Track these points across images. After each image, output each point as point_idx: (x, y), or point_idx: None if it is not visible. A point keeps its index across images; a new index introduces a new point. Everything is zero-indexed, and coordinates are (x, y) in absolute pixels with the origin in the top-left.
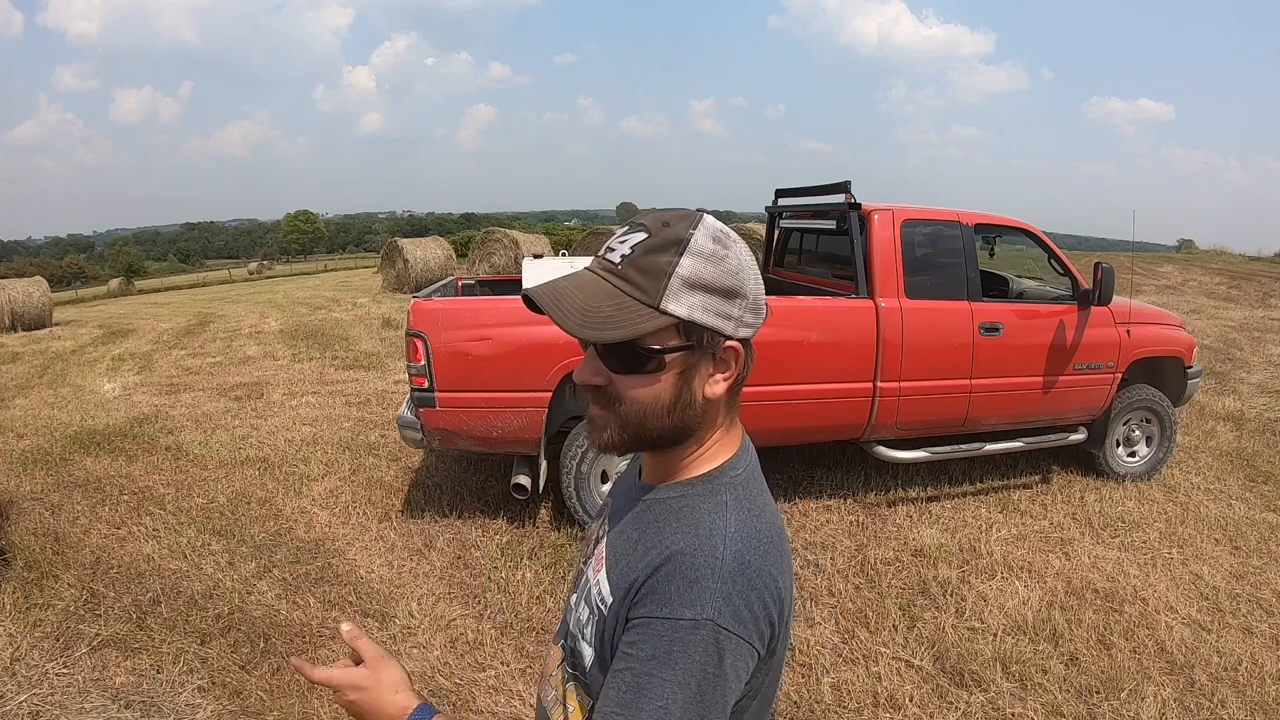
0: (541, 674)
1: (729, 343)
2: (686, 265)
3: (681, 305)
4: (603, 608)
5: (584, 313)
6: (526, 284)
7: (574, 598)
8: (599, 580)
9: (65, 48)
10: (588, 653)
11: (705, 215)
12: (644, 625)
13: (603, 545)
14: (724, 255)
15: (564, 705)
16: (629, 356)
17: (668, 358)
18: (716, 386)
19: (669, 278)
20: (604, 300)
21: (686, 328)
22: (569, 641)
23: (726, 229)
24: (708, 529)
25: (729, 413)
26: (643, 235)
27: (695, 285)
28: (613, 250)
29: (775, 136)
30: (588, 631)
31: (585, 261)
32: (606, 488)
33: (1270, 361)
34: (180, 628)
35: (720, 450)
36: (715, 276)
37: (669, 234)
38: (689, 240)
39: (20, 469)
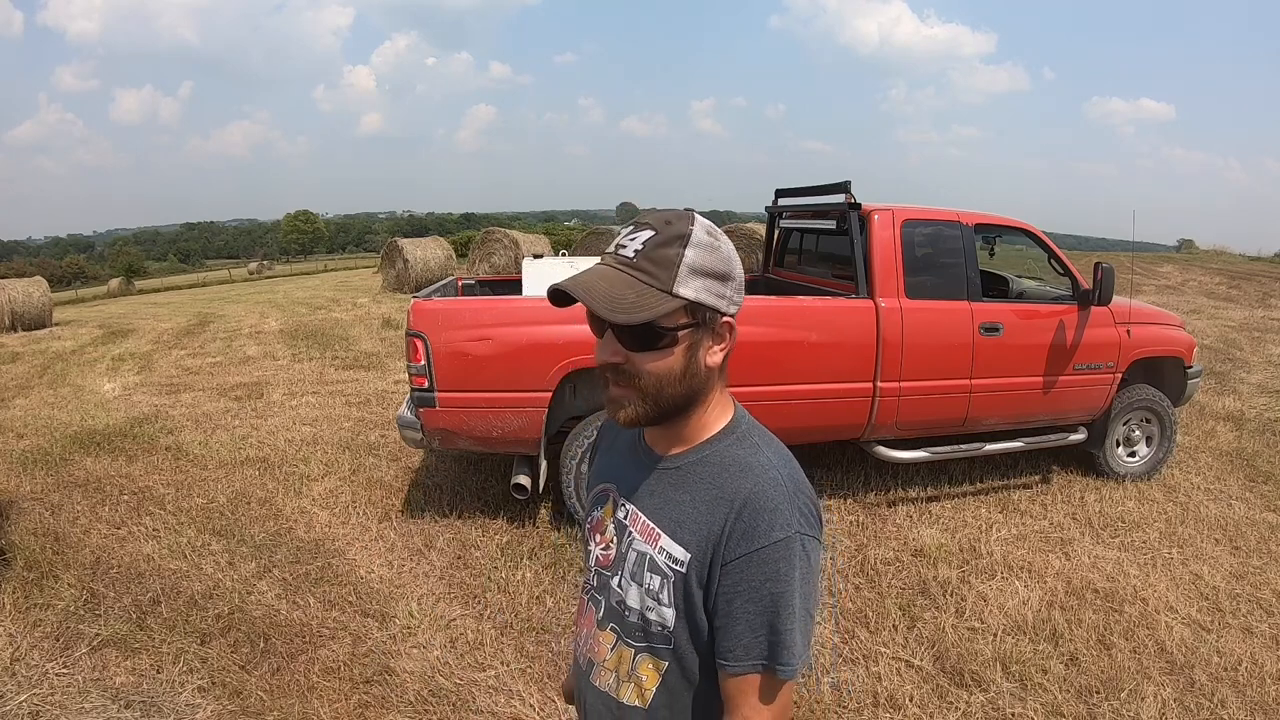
0: (587, 666)
1: (724, 318)
2: (691, 255)
3: (689, 289)
4: (678, 567)
5: (611, 300)
6: (526, 284)
7: (617, 579)
8: (661, 547)
9: (65, 47)
10: (668, 614)
11: (696, 213)
12: (747, 560)
13: (641, 519)
14: (717, 245)
15: (634, 677)
16: (647, 335)
17: (679, 334)
18: (715, 356)
19: (678, 267)
20: (626, 289)
21: (692, 308)
22: (628, 618)
23: (712, 225)
24: (761, 468)
25: (722, 379)
26: (650, 233)
27: (698, 271)
28: (624, 247)
29: (775, 136)
30: (664, 596)
31: (585, 262)
32: None
33: (1270, 361)
34: (180, 628)
35: (722, 410)
36: (713, 263)
37: (672, 230)
38: (690, 235)
39: (20, 469)
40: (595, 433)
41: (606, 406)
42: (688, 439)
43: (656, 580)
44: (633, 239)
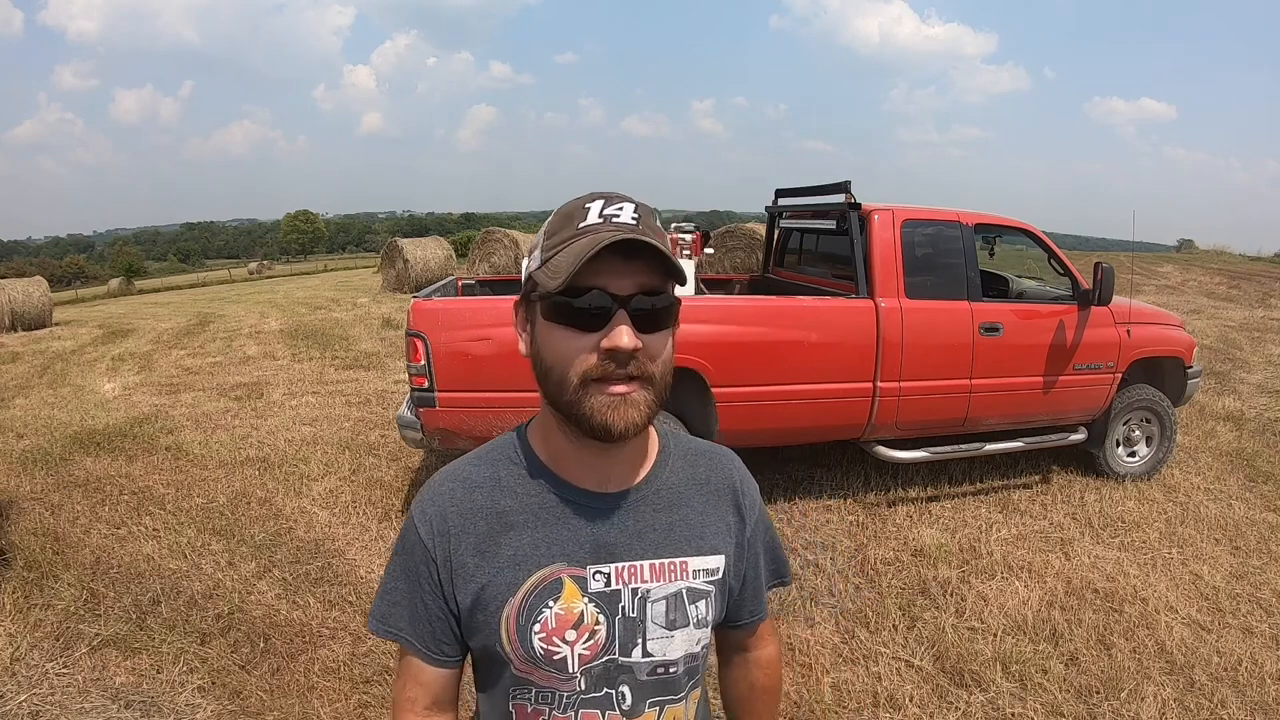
0: None
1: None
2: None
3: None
4: (716, 575)
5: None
6: None
7: (638, 650)
8: (695, 571)
9: (65, 47)
10: (710, 627)
11: None
12: (759, 522)
13: (643, 566)
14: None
15: None
16: (667, 312)
17: (678, 312)
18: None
19: (666, 239)
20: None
21: (675, 285)
22: (674, 672)
23: None
24: (712, 445)
25: None
26: (630, 205)
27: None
28: (617, 216)
29: (775, 136)
30: (709, 614)
31: None
32: None
33: (1270, 361)
34: (180, 628)
35: None
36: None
37: (642, 205)
38: (653, 210)
39: (20, 469)
40: (415, 540)
41: (608, 410)
42: (646, 450)
43: (702, 605)
44: (619, 209)
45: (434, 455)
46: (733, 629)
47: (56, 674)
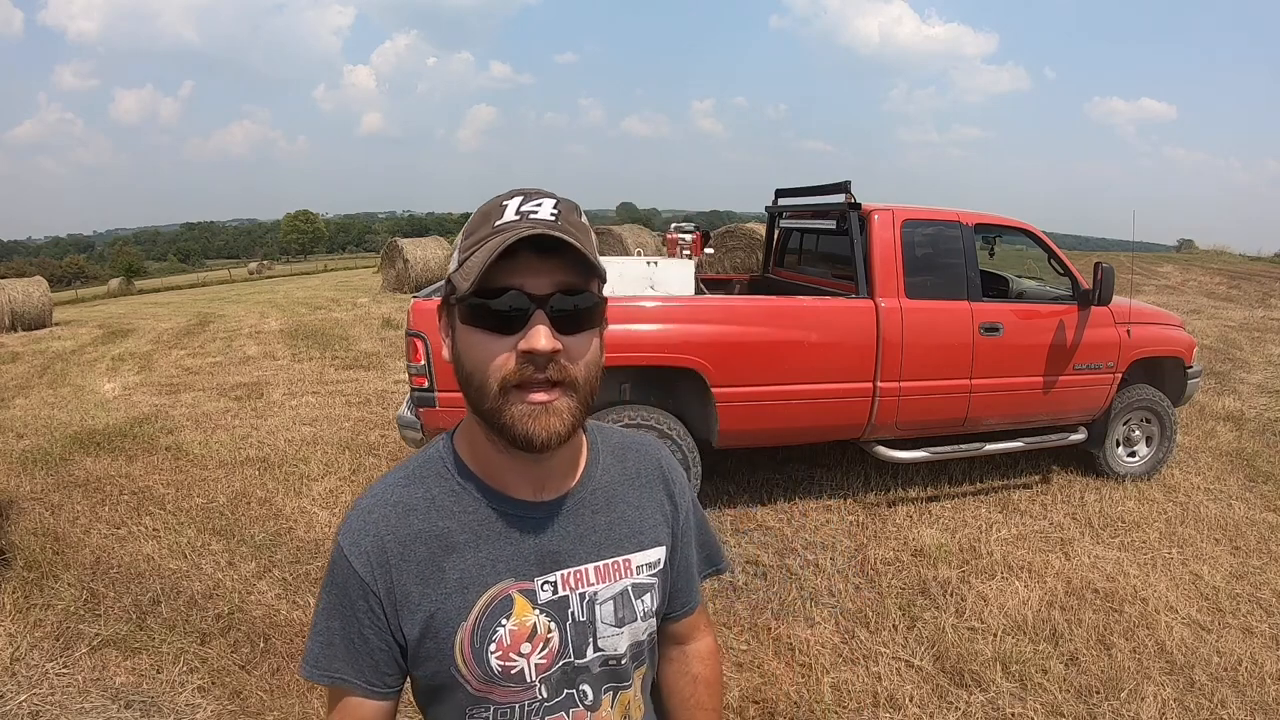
0: None
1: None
2: (589, 228)
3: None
4: (659, 565)
5: (587, 256)
6: None
7: (590, 650)
8: (638, 567)
9: (65, 46)
10: (655, 608)
11: None
12: (690, 504)
13: (588, 570)
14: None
15: (637, 700)
16: (592, 312)
17: (604, 311)
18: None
19: (590, 236)
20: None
21: (600, 284)
22: (623, 663)
23: None
24: (633, 433)
25: None
26: (551, 200)
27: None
28: (535, 213)
29: (775, 136)
30: (655, 603)
31: None
32: None
33: (1270, 361)
34: (180, 628)
35: None
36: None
37: (567, 202)
38: (577, 205)
39: (20, 469)
40: (348, 574)
41: (519, 424)
42: (577, 452)
43: (647, 598)
44: (538, 205)
45: None
46: (668, 620)
47: (56, 674)
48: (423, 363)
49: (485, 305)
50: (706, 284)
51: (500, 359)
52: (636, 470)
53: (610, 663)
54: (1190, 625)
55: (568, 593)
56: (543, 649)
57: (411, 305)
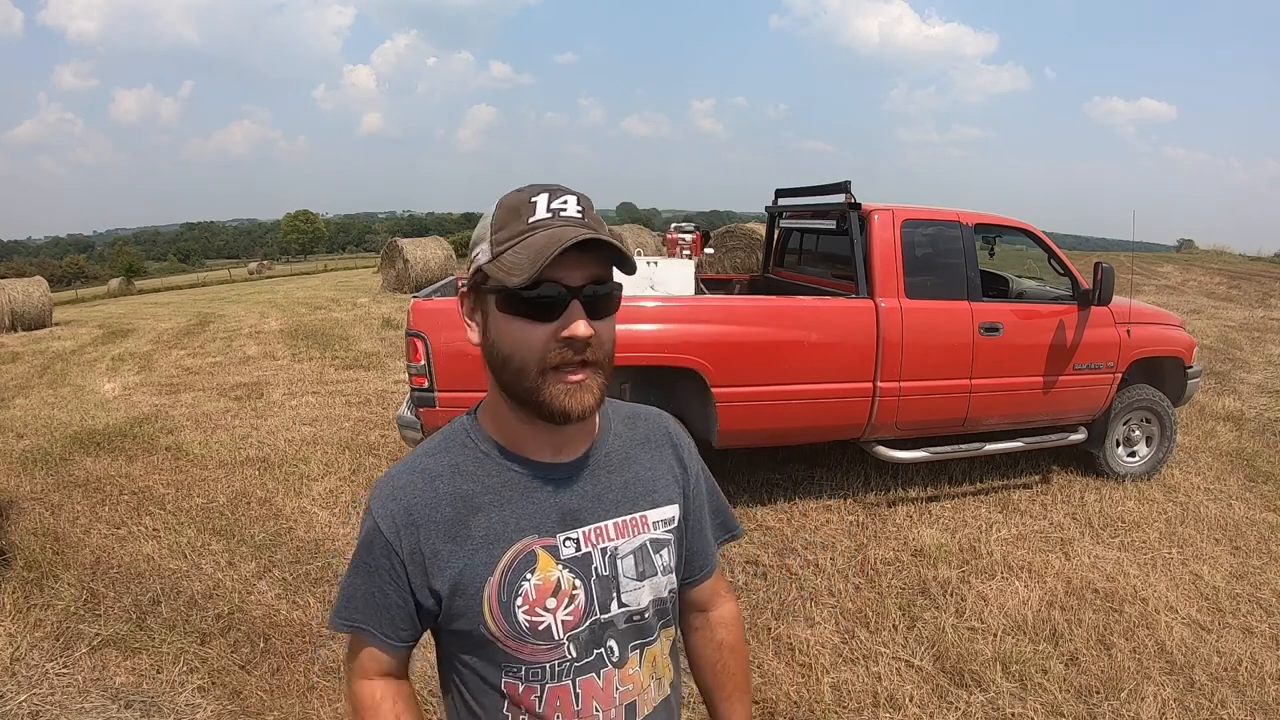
0: (621, 700)
1: None
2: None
3: None
4: (674, 522)
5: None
6: None
7: (614, 605)
8: (654, 522)
9: (65, 46)
10: (672, 564)
11: None
12: (703, 466)
13: (608, 526)
14: None
15: (666, 659)
16: (614, 299)
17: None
18: None
19: (605, 225)
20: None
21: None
22: (647, 618)
23: None
24: (642, 408)
25: None
26: (572, 196)
27: None
28: (564, 210)
29: (775, 136)
30: (672, 559)
31: None
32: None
33: (1270, 361)
34: (180, 628)
35: None
36: None
37: (581, 195)
38: (590, 200)
39: (20, 469)
40: (374, 537)
41: (556, 401)
42: (594, 420)
43: (665, 553)
44: (564, 202)
45: None
46: (688, 585)
47: (56, 674)
48: (423, 363)
49: (528, 295)
50: (706, 284)
51: (540, 344)
52: (646, 435)
53: (635, 618)
54: (1190, 625)
55: (590, 549)
56: (569, 605)
57: (412, 305)
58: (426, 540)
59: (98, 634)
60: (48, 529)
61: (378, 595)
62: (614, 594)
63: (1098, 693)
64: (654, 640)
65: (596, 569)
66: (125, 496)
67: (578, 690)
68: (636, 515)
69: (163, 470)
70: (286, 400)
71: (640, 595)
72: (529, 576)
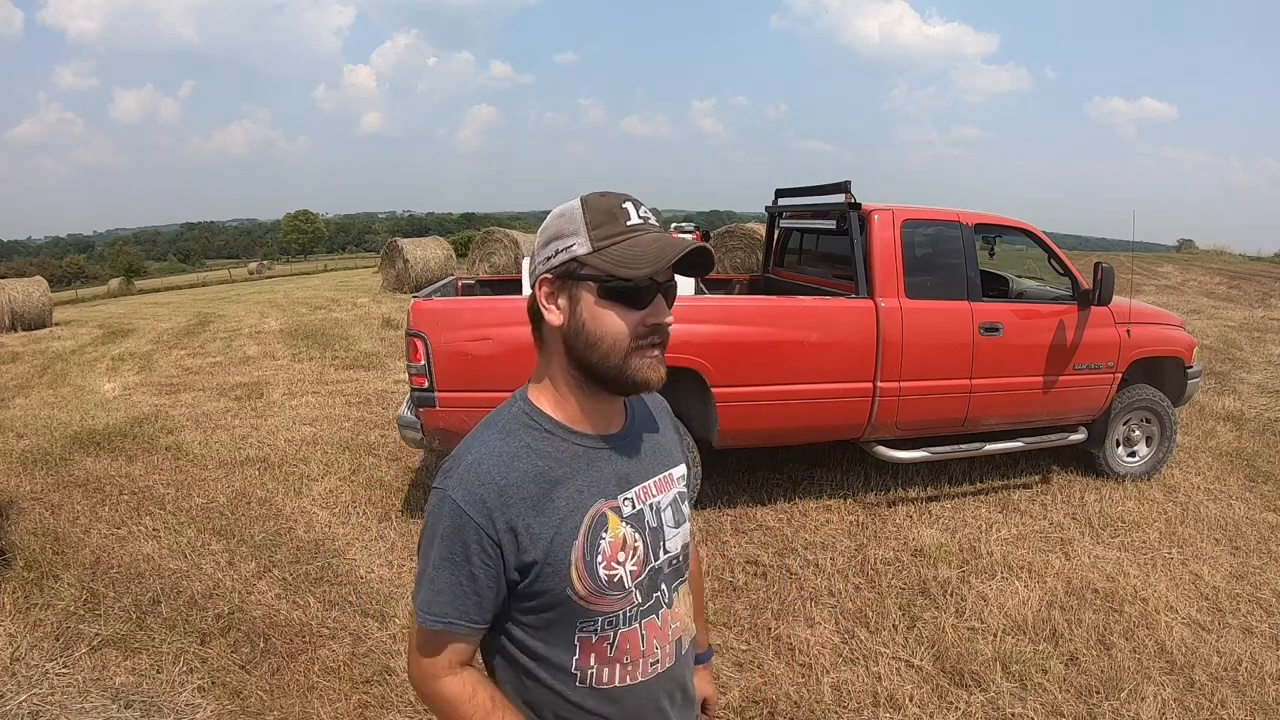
0: (676, 656)
1: None
2: None
3: None
4: (685, 476)
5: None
6: (526, 284)
7: (661, 551)
8: (677, 478)
9: (65, 46)
10: (689, 510)
11: None
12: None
13: (649, 484)
14: None
15: (689, 589)
16: (676, 292)
17: None
18: None
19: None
20: None
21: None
22: (681, 561)
23: None
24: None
25: None
26: (643, 206)
27: None
28: (649, 219)
29: (776, 136)
30: (688, 508)
31: None
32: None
33: (1270, 361)
34: (180, 628)
35: None
36: None
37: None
38: None
39: (20, 469)
40: (463, 521)
41: (641, 373)
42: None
43: (685, 504)
44: (646, 213)
45: (434, 455)
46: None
47: (56, 674)
48: (423, 362)
49: (626, 287)
50: (706, 284)
51: (632, 327)
52: (654, 406)
53: (674, 561)
54: (1190, 625)
55: (642, 506)
56: (634, 557)
57: (412, 305)
58: (519, 517)
59: (98, 634)
60: (48, 529)
61: (466, 584)
62: (661, 542)
63: (1098, 693)
64: (685, 579)
65: (648, 523)
66: (125, 496)
67: (644, 632)
68: (665, 474)
69: (163, 470)
70: (286, 400)
71: (677, 541)
72: (605, 535)
